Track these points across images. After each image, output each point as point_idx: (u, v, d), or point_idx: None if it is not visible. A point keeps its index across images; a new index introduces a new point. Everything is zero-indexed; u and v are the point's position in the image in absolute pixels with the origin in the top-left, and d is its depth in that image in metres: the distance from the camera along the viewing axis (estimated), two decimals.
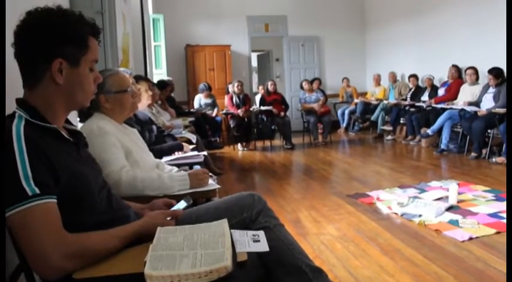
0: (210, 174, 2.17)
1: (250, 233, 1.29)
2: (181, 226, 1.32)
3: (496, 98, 6.19)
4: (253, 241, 1.23)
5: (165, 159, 2.73)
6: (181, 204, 1.70)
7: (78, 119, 2.33)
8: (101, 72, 2.16)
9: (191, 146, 3.34)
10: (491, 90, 6.33)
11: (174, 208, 1.66)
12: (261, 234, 1.29)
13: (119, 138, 2.07)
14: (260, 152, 7.68)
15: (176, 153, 3.03)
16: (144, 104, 3.65)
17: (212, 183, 2.09)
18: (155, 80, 7.31)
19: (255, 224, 1.65)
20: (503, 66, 6.21)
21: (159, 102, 5.91)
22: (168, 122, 4.87)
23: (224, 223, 1.27)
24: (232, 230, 1.28)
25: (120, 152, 2.02)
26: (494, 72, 6.19)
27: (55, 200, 1.18)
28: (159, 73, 8.28)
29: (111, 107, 2.15)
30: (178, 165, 2.70)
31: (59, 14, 1.30)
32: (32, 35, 1.26)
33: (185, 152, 3.21)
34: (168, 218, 1.49)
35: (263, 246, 1.23)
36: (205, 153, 2.95)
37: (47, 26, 1.26)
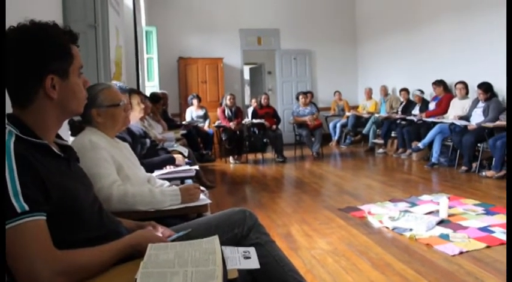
0: (201, 189, 2.17)
1: (241, 249, 1.29)
2: (172, 243, 1.32)
3: (485, 112, 6.26)
4: (244, 258, 1.23)
5: (157, 173, 2.73)
6: (180, 234, 1.68)
7: (70, 133, 2.32)
8: (93, 86, 2.18)
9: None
10: (481, 104, 6.39)
11: (173, 238, 1.63)
12: (252, 250, 1.29)
13: (110, 152, 2.07)
14: (252, 165, 7.68)
15: (168, 167, 3.02)
16: (136, 117, 3.64)
17: (203, 198, 2.09)
18: (147, 92, 7.33)
19: (247, 240, 1.65)
20: (492, 81, 6.30)
21: (151, 114, 5.91)
22: (160, 134, 4.87)
23: (215, 240, 1.27)
24: (223, 247, 1.28)
25: (112, 166, 2.02)
26: (484, 87, 6.26)
27: (44, 217, 1.17)
28: (151, 85, 8.29)
29: (103, 121, 2.15)
30: (169, 180, 2.70)
31: (37, 31, 1.27)
32: (17, 57, 1.24)
33: (177, 165, 3.20)
34: (159, 234, 1.48)
35: (254, 263, 1.23)
36: (196, 167, 2.94)
37: (30, 46, 1.25)
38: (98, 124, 2.15)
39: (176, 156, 3.24)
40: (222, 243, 1.31)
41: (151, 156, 3.33)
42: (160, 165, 3.04)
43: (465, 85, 6.87)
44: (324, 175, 6.60)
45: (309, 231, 3.76)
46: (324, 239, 3.53)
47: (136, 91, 4.25)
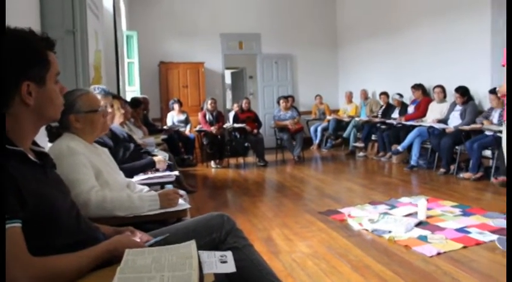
0: (180, 193, 2.17)
1: (218, 253, 1.30)
2: (149, 248, 1.33)
3: (462, 115, 6.38)
4: (221, 262, 1.25)
5: (136, 178, 2.72)
6: (158, 239, 1.68)
7: (48, 139, 2.31)
8: (72, 92, 2.17)
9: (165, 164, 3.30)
10: (458, 108, 6.52)
11: (151, 242, 1.63)
12: (229, 254, 1.31)
13: (89, 158, 2.07)
14: (233, 169, 7.69)
15: (149, 172, 3.01)
16: (116, 122, 3.62)
17: (182, 203, 2.10)
18: (128, 97, 7.30)
19: (224, 244, 1.67)
20: (469, 85, 6.43)
21: (132, 119, 5.88)
22: (140, 139, 4.85)
23: (192, 244, 1.28)
24: (201, 251, 1.29)
25: (90, 172, 2.01)
26: (461, 91, 6.39)
27: (20, 225, 1.17)
28: (132, 90, 8.25)
29: (81, 126, 2.14)
30: (149, 185, 2.69)
31: (13, 38, 1.27)
32: None
33: (158, 169, 3.19)
34: (137, 239, 1.48)
35: (230, 267, 1.25)
36: (176, 172, 2.93)
37: (6, 53, 1.24)
38: (76, 130, 2.14)
39: (156, 159, 3.20)
40: (200, 247, 1.32)
41: (135, 160, 3.31)
42: (141, 170, 3.03)
43: (443, 89, 6.99)
44: (305, 179, 6.64)
45: (290, 234, 3.78)
46: (304, 243, 3.55)
47: (116, 96, 4.24)
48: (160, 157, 3.21)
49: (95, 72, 4.65)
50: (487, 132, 5.68)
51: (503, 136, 3.24)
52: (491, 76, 6.18)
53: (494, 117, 5.80)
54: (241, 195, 5.58)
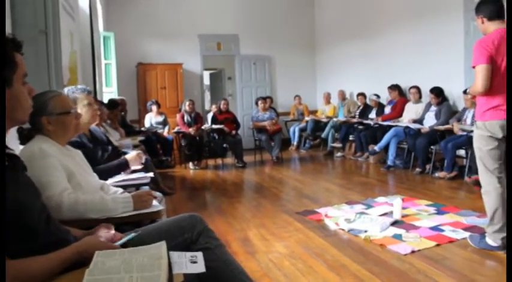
0: (154, 195, 2.17)
1: (189, 254, 1.31)
2: (120, 249, 1.33)
3: (437, 115, 6.49)
4: (191, 262, 1.25)
5: (111, 180, 2.70)
6: (130, 237, 1.68)
7: (19, 141, 2.28)
8: (44, 93, 2.15)
9: (138, 166, 3.24)
10: (433, 108, 6.62)
11: (123, 241, 1.63)
12: (199, 255, 1.31)
13: (61, 160, 2.05)
14: (212, 170, 7.68)
15: (123, 173, 2.99)
16: (84, 119, 3.44)
17: (156, 205, 2.09)
18: (106, 98, 7.23)
19: (196, 245, 1.67)
20: (444, 85, 6.54)
21: (109, 121, 5.83)
22: (117, 141, 4.81)
23: (162, 245, 1.28)
24: (172, 252, 1.30)
25: (62, 174, 2.00)
26: (435, 91, 6.50)
27: None
28: (109, 91, 8.18)
29: (53, 129, 2.12)
30: (124, 187, 2.68)
31: None
32: None
33: (135, 170, 3.14)
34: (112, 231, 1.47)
35: (200, 267, 1.25)
36: (151, 174, 2.91)
37: None
38: (48, 132, 2.12)
39: (129, 156, 3.10)
40: (172, 248, 1.32)
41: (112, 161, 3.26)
42: (115, 171, 2.99)
43: (418, 90, 7.10)
44: (284, 179, 6.67)
45: (267, 235, 3.80)
46: (281, 243, 3.57)
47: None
48: (133, 153, 3.07)
49: (71, 74, 4.60)
50: (461, 133, 5.78)
51: (475, 135, 3.30)
52: (465, 77, 6.30)
53: (468, 117, 5.90)
54: (220, 196, 5.58)
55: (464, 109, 6.03)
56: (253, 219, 4.31)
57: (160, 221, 1.93)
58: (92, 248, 1.34)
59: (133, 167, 3.03)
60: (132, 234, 1.63)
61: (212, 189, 6.11)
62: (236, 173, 7.28)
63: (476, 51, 3.11)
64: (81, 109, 3.04)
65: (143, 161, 3.00)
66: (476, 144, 3.28)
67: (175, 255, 1.29)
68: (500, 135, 3.12)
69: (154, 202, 2.11)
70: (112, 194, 2.33)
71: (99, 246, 1.38)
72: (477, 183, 3.31)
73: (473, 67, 3.15)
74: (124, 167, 2.99)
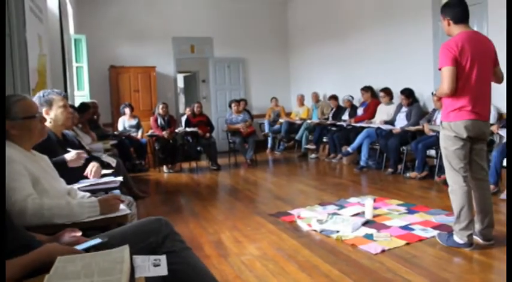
0: (122, 199, 2.15)
1: (152, 257, 1.30)
2: (81, 254, 1.32)
3: (408, 116, 6.60)
4: (154, 266, 1.25)
5: (78, 185, 2.67)
6: (95, 242, 1.66)
7: None
8: (7, 98, 2.11)
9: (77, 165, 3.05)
10: (404, 109, 6.73)
11: (87, 245, 1.61)
12: (163, 258, 1.31)
13: (25, 165, 2.02)
14: (186, 173, 7.64)
15: (91, 177, 2.95)
16: (59, 121, 3.35)
17: (124, 209, 2.08)
18: (77, 102, 7.13)
19: (162, 248, 1.67)
20: (414, 87, 6.66)
21: (80, 125, 5.76)
22: (88, 145, 4.75)
23: (125, 249, 1.28)
24: (135, 256, 1.29)
25: (26, 180, 1.97)
26: (406, 92, 6.61)
27: None
28: (81, 95, 8.07)
29: (18, 133, 2.09)
30: (93, 191, 2.65)
31: None
32: None
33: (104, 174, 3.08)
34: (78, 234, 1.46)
35: (162, 270, 1.25)
36: (120, 178, 2.88)
37: None
38: (13, 137, 2.08)
39: (68, 156, 2.88)
40: (137, 252, 1.32)
41: (85, 165, 3.21)
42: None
43: (388, 92, 7.20)
44: (258, 182, 6.68)
45: (240, 237, 3.80)
46: (254, 245, 3.58)
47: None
48: (73, 152, 2.91)
49: (39, 77, 4.52)
50: (431, 133, 5.88)
51: (441, 136, 3.37)
52: (434, 79, 6.42)
53: (438, 118, 6.01)
54: (193, 199, 5.56)
55: (434, 110, 6.15)
56: (226, 222, 4.31)
57: (126, 225, 1.92)
58: (53, 253, 1.32)
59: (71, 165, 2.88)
60: (98, 240, 1.61)
61: (186, 192, 6.08)
62: (210, 176, 7.27)
63: (442, 54, 3.18)
64: (56, 110, 3.00)
65: (83, 160, 2.88)
66: (442, 144, 3.36)
67: (138, 259, 1.28)
68: (465, 135, 3.19)
69: (122, 206, 2.09)
70: (79, 198, 2.31)
71: (61, 251, 1.36)
72: (446, 182, 3.38)
73: (440, 69, 3.22)
74: (60, 166, 2.82)
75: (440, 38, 6.14)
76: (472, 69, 3.14)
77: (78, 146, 3.63)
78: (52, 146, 2.86)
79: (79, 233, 1.70)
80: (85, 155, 2.84)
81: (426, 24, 6.64)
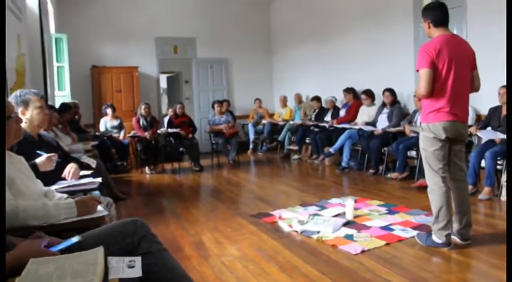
0: (99, 200, 2.13)
1: (127, 259, 1.29)
2: (55, 256, 1.30)
3: (389, 117, 6.66)
4: (128, 267, 1.24)
5: (56, 186, 2.63)
6: (70, 242, 1.64)
7: None
8: None
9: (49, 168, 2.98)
10: (386, 110, 6.79)
11: (62, 246, 1.59)
12: (138, 260, 1.30)
13: None
14: (169, 174, 7.60)
15: (69, 178, 2.91)
16: (35, 121, 3.27)
17: (101, 210, 2.06)
18: (58, 102, 7.05)
19: (138, 249, 1.65)
20: (395, 88, 6.73)
21: (60, 126, 5.69)
22: (68, 146, 4.70)
23: (99, 251, 1.27)
24: (110, 257, 1.28)
25: None
26: (389, 91, 6.67)
27: None
28: (62, 95, 7.98)
29: None
30: (71, 193, 2.61)
31: None
32: None
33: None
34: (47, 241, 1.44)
35: (137, 271, 1.24)
36: (99, 179, 2.86)
37: None
38: None
39: (39, 160, 2.77)
40: (113, 253, 1.31)
41: (61, 168, 3.17)
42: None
43: (368, 95, 7.26)
44: (240, 183, 6.68)
45: (221, 238, 3.80)
46: (235, 246, 3.58)
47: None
48: (43, 157, 2.80)
49: (18, 77, 4.47)
50: (412, 134, 5.94)
51: (420, 137, 3.41)
52: (415, 80, 6.49)
53: (418, 119, 6.07)
54: (175, 200, 5.53)
55: (415, 111, 6.21)
56: (207, 223, 4.30)
57: (102, 226, 1.90)
58: (26, 255, 1.30)
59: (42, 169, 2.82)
60: (73, 240, 1.59)
61: (168, 193, 6.04)
62: (193, 177, 7.24)
63: (420, 56, 3.23)
64: (33, 111, 2.96)
65: (54, 164, 2.80)
66: (421, 145, 3.40)
67: (113, 260, 1.27)
68: (443, 136, 3.23)
69: (100, 207, 2.07)
70: (57, 200, 2.28)
71: (34, 253, 1.34)
72: (421, 188, 3.42)
73: (418, 71, 3.26)
74: (34, 169, 2.76)
75: (421, 40, 6.21)
76: (450, 72, 3.19)
77: (55, 147, 3.59)
78: (27, 147, 2.82)
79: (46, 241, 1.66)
80: (56, 158, 2.77)
81: (407, 27, 6.72)
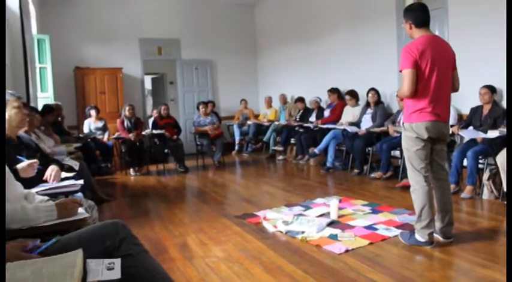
0: (80, 203, 2.11)
1: (107, 261, 1.29)
2: (33, 260, 1.28)
3: (373, 118, 6.71)
4: (108, 269, 1.23)
5: (37, 189, 2.60)
6: (49, 243, 1.62)
7: None
8: None
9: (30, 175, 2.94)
10: (369, 111, 6.84)
11: (41, 248, 1.57)
12: (117, 262, 1.29)
13: None
14: (154, 176, 7.55)
15: (50, 181, 2.88)
16: (13, 122, 3.19)
17: (82, 212, 2.04)
18: (40, 104, 6.97)
19: (119, 251, 1.64)
20: (379, 88, 6.78)
21: (42, 127, 5.63)
22: (50, 148, 4.65)
23: (78, 253, 1.25)
24: (89, 260, 1.27)
25: None
26: (373, 90, 6.72)
27: None
28: (45, 96, 7.88)
29: None
30: (52, 195, 2.58)
31: None
32: None
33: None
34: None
35: (116, 273, 1.24)
36: (81, 182, 2.83)
37: None
38: None
39: (19, 166, 2.72)
40: (93, 255, 1.29)
41: (44, 169, 3.14)
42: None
43: (352, 95, 7.30)
44: (225, 184, 6.67)
45: (205, 239, 3.79)
46: (219, 247, 3.57)
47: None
48: (24, 163, 2.75)
49: None
50: (395, 134, 5.99)
51: (403, 137, 3.44)
52: (398, 80, 6.55)
53: (402, 119, 6.13)
54: (160, 202, 5.50)
55: (398, 111, 6.26)
56: (192, 225, 4.28)
57: (83, 228, 1.88)
58: (6, 260, 1.28)
59: (23, 175, 2.76)
60: (51, 242, 1.58)
61: (153, 195, 6.00)
62: (178, 179, 7.21)
63: (403, 57, 3.26)
64: (10, 111, 2.93)
65: (35, 170, 2.75)
66: (404, 145, 3.43)
67: (92, 262, 1.27)
68: (425, 136, 3.27)
69: (81, 210, 2.05)
70: (37, 203, 2.25)
71: (12, 257, 1.32)
72: (404, 188, 3.45)
73: (400, 71, 3.29)
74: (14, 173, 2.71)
75: (404, 40, 6.26)
76: (432, 72, 3.22)
77: (34, 148, 3.55)
78: (7, 149, 2.78)
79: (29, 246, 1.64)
80: (37, 165, 2.73)
81: (390, 28, 6.78)
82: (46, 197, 2.37)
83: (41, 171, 2.94)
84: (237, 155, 9.62)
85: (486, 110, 5.13)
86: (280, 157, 8.61)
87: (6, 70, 4.75)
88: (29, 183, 2.61)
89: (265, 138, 9.18)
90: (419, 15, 3.34)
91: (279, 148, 8.71)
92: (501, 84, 5.16)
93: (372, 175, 6.27)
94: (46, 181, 2.91)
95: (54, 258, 1.27)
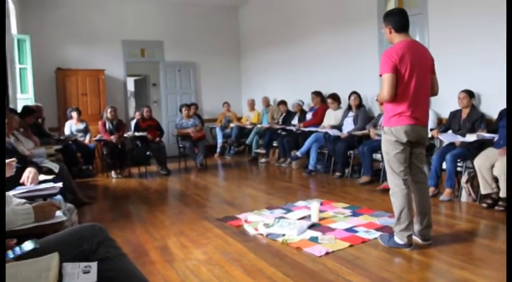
0: (58, 206, 2.09)
1: (83, 264, 1.28)
2: (8, 264, 1.27)
3: (355, 121, 6.76)
4: (84, 273, 1.23)
5: (14, 192, 2.57)
6: (27, 246, 1.59)
7: None
8: None
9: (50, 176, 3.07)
10: (351, 114, 6.89)
11: (18, 253, 1.55)
12: (93, 265, 1.29)
13: None
14: (136, 178, 7.51)
15: (27, 183, 2.85)
16: None
17: (60, 215, 2.02)
18: (20, 105, 6.88)
19: (96, 254, 1.63)
20: (360, 91, 6.84)
21: (21, 129, 5.56)
22: (29, 151, 4.59)
23: (54, 257, 1.25)
24: (65, 263, 1.26)
25: None
26: (356, 93, 6.77)
27: None
28: (25, 98, 7.79)
29: None
30: (31, 198, 2.56)
31: None
32: None
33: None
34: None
35: (92, 277, 1.23)
36: (60, 184, 2.80)
37: None
38: None
39: None
40: (70, 259, 1.29)
41: (21, 171, 3.10)
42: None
43: (334, 98, 7.34)
44: (207, 186, 6.65)
45: (186, 242, 3.78)
46: (200, 249, 3.57)
47: None
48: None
49: None
50: (377, 137, 6.04)
51: (383, 140, 3.48)
52: (379, 84, 6.60)
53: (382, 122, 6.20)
54: (142, 205, 5.47)
55: (380, 115, 6.31)
56: (173, 227, 4.27)
57: (60, 231, 1.87)
58: None
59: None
60: (31, 245, 1.56)
61: (134, 198, 5.96)
62: (160, 181, 7.18)
63: (383, 61, 3.30)
64: None
65: (14, 169, 2.71)
66: (384, 148, 3.47)
67: (68, 266, 1.26)
68: (404, 139, 3.31)
69: (58, 213, 2.04)
70: (14, 205, 2.23)
71: None
72: (384, 191, 3.49)
73: (380, 75, 3.32)
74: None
75: (385, 45, 6.32)
76: (411, 77, 3.26)
77: (10, 151, 3.51)
78: None
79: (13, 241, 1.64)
80: (15, 164, 2.69)
81: (372, 32, 6.85)
82: (23, 200, 2.34)
83: (18, 174, 2.91)
84: (220, 157, 9.61)
85: (465, 114, 5.21)
86: (263, 160, 8.63)
87: None
88: (6, 185, 2.58)
89: (247, 141, 9.19)
90: (399, 20, 3.38)
91: (262, 151, 8.73)
92: (479, 89, 5.26)
93: (360, 181, 6.18)
94: (23, 184, 2.88)
95: (29, 262, 1.26)
